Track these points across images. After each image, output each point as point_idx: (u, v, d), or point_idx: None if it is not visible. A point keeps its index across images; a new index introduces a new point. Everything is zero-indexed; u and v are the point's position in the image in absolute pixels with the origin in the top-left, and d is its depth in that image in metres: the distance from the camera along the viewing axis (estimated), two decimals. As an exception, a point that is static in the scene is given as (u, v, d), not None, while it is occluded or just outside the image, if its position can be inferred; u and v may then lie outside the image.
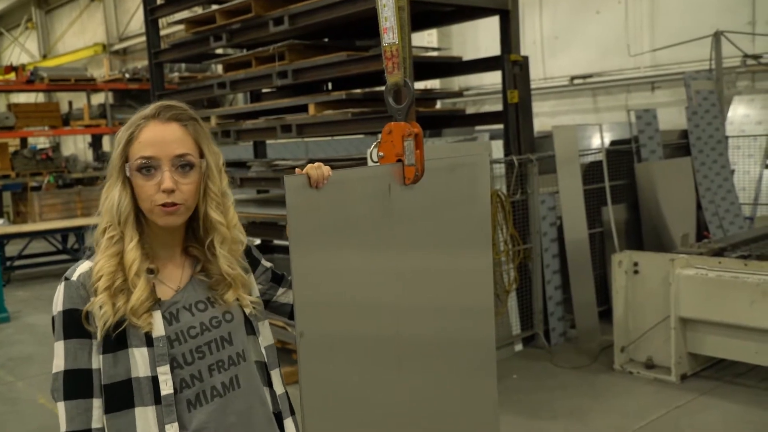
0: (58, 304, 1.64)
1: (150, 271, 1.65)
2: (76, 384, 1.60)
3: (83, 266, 1.67)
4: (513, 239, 5.89)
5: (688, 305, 4.92)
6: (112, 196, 1.65)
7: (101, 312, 1.58)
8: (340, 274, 1.90)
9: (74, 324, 1.61)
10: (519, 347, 6.02)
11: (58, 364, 1.62)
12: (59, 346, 1.63)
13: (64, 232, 11.08)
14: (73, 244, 11.19)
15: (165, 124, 1.65)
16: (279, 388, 1.83)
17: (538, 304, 6.10)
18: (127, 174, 1.64)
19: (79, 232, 10.96)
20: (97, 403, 1.61)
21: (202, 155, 1.69)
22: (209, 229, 1.70)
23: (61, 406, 1.61)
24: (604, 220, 6.52)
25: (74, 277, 1.65)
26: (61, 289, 1.65)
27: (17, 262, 10.64)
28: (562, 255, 6.18)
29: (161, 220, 1.64)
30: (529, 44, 10.93)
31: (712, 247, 5.42)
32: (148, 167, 1.62)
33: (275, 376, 1.83)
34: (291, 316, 1.94)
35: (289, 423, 1.83)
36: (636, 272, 5.24)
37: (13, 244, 11.16)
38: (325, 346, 1.86)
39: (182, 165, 1.64)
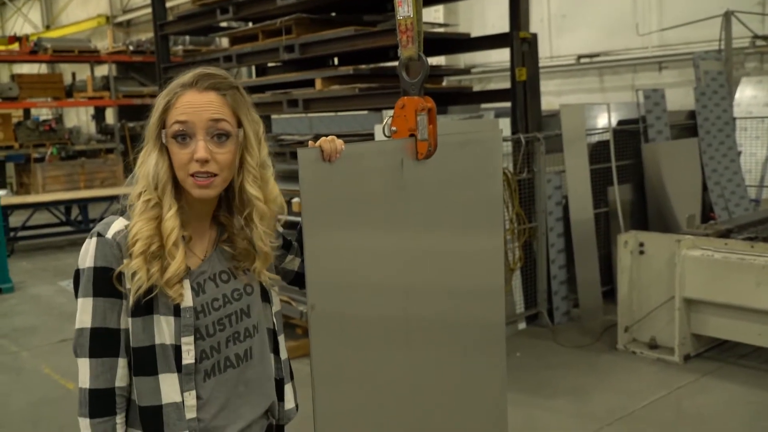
0: (88, 259, 1.59)
1: (183, 239, 1.63)
2: (103, 342, 1.58)
3: (118, 224, 1.61)
4: (519, 218, 5.89)
5: (693, 286, 4.92)
6: (148, 162, 1.61)
7: (136, 277, 1.55)
8: (351, 249, 1.90)
9: (106, 282, 1.57)
10: (523, 325, 6.03)
11: (84, 320, 1.58)
12: (87, 302, 1.58)
13: (68, 204, 11.07)
14: (76, 216, 11.19)
15: (203, 93, 1.61)
16: (283, 353, 1.85)
17: (542, 283, 6.11)
18: (164, 141, 1.61)
19: (82, 203, 10.97)
20: (122, 363, 1.60)
21: (240, 125, 1.65)
22: (246, 203, 1.67)
23: (84, 362, 1.59)
24: (609, 200, 6.51)
25: (109, 235, 1.59)
26: (93, 243, 1.59)
27: (21, 233, 10.65)
28: (567, 234, 6.18)
29: (195, 191, 1.60)
30: (536, 22, 10.83)
31: (718, 229, 5.41)
32: (183, 135, 1.59)
33: (281, 341, 1.84)
34: (292, 282, 1.96)
35: (288, 388, 1.85)
36: (641, 252, 5.24)
37: (16, 215, 11.16)
38: (335, 320, 1.86)
39: (218, 134, 1.60)
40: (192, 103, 1.60)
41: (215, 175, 1.60)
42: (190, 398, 1.63)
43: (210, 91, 1.62)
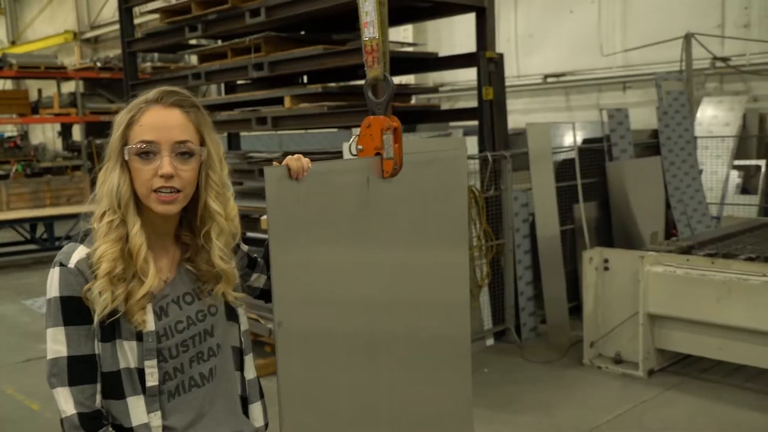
0: (53, 289, 1.59)
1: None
2: (82, 369, 1.58)
3: (78, 252, 1.61)
4: (486, 235, 5.95)
5: (656, 301, 5.01)
6: (111, 179, 1.61)
7: (101, 298, 1.56)
8: (318, 265, 1.92)
9: (75, 311, 1.58)
10: (490, 342, 6.08)
11: (58, 349, 1.58)
12: (59, 332, 1.58)
13: (33, 222, 10.92)
14: (41, 234, 11.03)
15: (167, 110, 1.63)
16: (250, 373, 1.86)
17: (509, 299, 6.16)
18: (126, 157, 1.61)
19: (48, 221, 10.82)
20: (98, 387, 1.61)
21: (203, 143, 1.67)
22: (206, 219, 1.68)
23: (63, 391, 1.58)
24: (575, 217, 6.61)
25: (71, 264, 1.59)
26: (56, 273, 1.59)
27: (-16, 252, 10.48)
28: (534, 251, 6.25)
29: (159, 207, 1.61)
30: (503, 42, 11.00)
31: (680, 245, 5.52)
32: (148, 152, 1.60)
33: (248, 361, 1.85)
34: (259, 297, 1.97)
35: (256, 407, 1.86)
36: (606, 269, 5.32)
37: (-21, 234, 10.99)
38: (302, 337, 1.88)
39: (182, 152, 1.62)
40: (157, 120, 1.61)
41: (178, 191, 1.62)
42: (156, 419, 1.63)
43: (174, 108, 1.64)
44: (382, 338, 2.08)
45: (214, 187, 1.68)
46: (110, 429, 1.61)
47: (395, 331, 2.13)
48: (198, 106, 1.69)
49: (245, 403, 1.84)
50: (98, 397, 1.61)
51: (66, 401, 1.59)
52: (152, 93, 1.65)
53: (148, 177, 1.60)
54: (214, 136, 1.71)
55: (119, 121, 1.64)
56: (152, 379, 1.62)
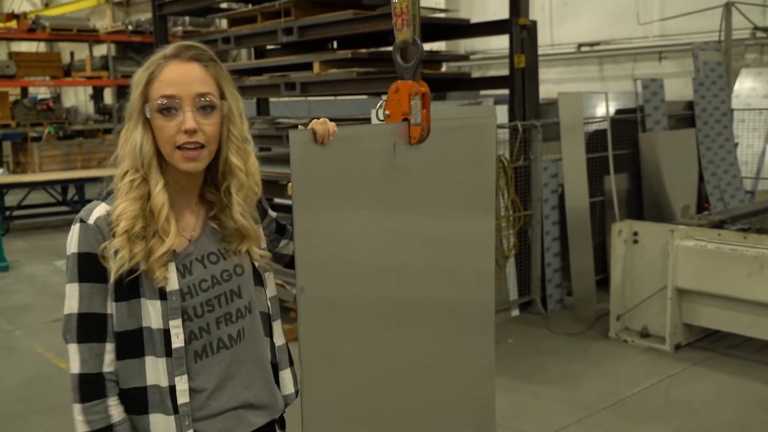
0: (72, 245, 1.59)
1: None
2: (90, 328, 1.58)
3: (99, 209, 1.60)
4: (514, 205, 5.89)
5: (685, 276, 4.94)
6: (133, 138, 1.59)
7: (118, 256, 1.54)
8: (342, 231, 1.90)
9: (90, 268, 1.57)
10: (516, 312, 6.05)
11: (71, 305, 1.58)
12: (73, 288, 1.58)
13: (64, 184, 11.07)
14: (72, 196, 11.18)
15: (186, 64, 1.60)
16: (279, 339, 1.85)
17: (536, 270, 6.12)
18: (147, 115, 1.59)
19: (79, 183, 10.95)
20: (109, 348, 1.60)
21: (223, 97, 1.65)
22: (227, 174, 1.66)
23: (73, 348, 1.59)
24: (605, 189, 6.51)
25: (90, 220, 1.58)
26: (76, 230, 1.59)
27: (16, 212, 10.65)
28: (562, 222, 6.19)
29: (184, 164, 1.59)
30: (537, 10, 10.80)
31: (712, 219, 5.43)
32: (169, 107, 1.57)
33: (276, 327, 1.84)
34: (288, 265, 1.94)
35: (286, 374, 1.85)
36: (635, 242, 5.25)
37: (12, 194, 11.16)
38: (325, 303, 1.87)
39: (204, 106, 1.60)
40: (177, 75, 1.59)
41: (203, 146, 1.60)
42: (182, 383, 1.62)
43: (193, 62, 1.61)
44: (405, 305, 2.06)
45: (234, 142, 1.66)
46: (108, 402, 1.59)
47: (419, 298, 2.11)
48: (216, 60, 1.66)
49: (276, 369, 1.83)
50: (107, 357, 1.59)
51: (73, 358, 1.59)
52: (169, 48, 1.63)
53: (172, 133, 1.58)
54: (233, 90, 1.69)
55: (137, 79, 1.62)
56: (178, 341, 1.61)
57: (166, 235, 1.58)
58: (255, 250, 1.73)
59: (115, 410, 1.60)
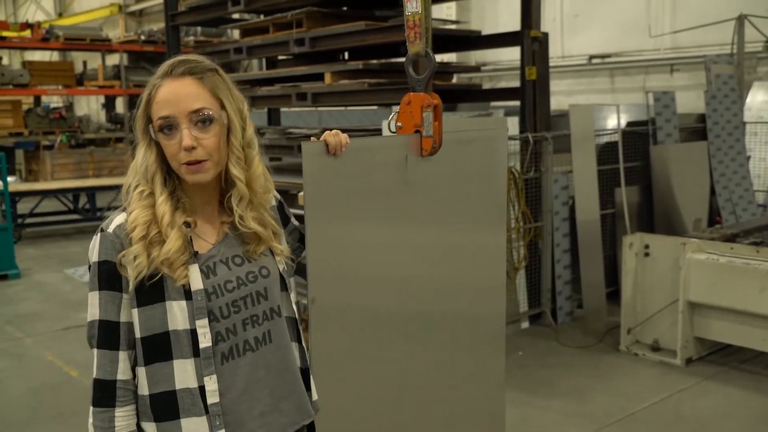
0: (93, 254, 1.64)
1: (187, 225, 1.65)
2: (106, 334, 1.63)
3: (119, 218, 1.66)
4: (524, 217, 5.88)
5: (697, 290, 4.91)
6: (138, 156, 1.66)
7: (136, 262, 1.59)
8: (353, 242, 1.90)
9: (108, 276, 1.62)
10: (525, 324, 6.03)
11: (94, 312, 1.64)
12: (94, 296, 1.64)
13: (76, 192, 11.11)
14: (84, 204, 11.23)
15: (178, 80, 1.63)
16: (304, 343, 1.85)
17: (546, 282, 6.10)
18: (152, 136, 1.64)
19: (91, 192, 11.01)
20: (123, 356, 1.63)
21: (223, 107, 1.66)
22: (229, 185, 1.70)
23: (95, 353, 1.65)
24: (616, 201, 6.49)
25: (110, 229, 1.64)
26: (97, 239, 1.65)
27: (28, 220, 10.70)
28: (573, 234, 6.17)
29: (190, 177, 1.63)
30: (548, 21, 10.82)
31: (724, 233, 5.39)
32: (169, 126, 1.61)
33: (302, 332, 1.84)
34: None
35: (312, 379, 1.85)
36: (646, 255, 5.23)
37: (24, 202, 11.21)
38: (335, 313, 1.87)
39: (200, 120, 1.62)
40: (171, 94, 1.62)
41: (205, 160, 1.63)
42: (212, 383, 1.64)
43: (185, 77, 1.63)
44: (415, 317, 2.06)
45: (234, 152, 1.68)
46: (115, 413, 1.62)
47: (429, 309, 2.11)
48: (213, 69, 1.68)
49: (306, 375, 1.82)
50: (120, 365, 1.63)
51: (94, 363, 1.65)
52: (163, 66, 1.66)
53: (175, 151, 1.62)
54: (235, 94, 1.70)
55: (140, 100, 1.67)
56: (205, 340, 1.62)
57: (168, 239, 1.62)
58: (275, 245, 1.75)
59: (121, 422, 1.63)
